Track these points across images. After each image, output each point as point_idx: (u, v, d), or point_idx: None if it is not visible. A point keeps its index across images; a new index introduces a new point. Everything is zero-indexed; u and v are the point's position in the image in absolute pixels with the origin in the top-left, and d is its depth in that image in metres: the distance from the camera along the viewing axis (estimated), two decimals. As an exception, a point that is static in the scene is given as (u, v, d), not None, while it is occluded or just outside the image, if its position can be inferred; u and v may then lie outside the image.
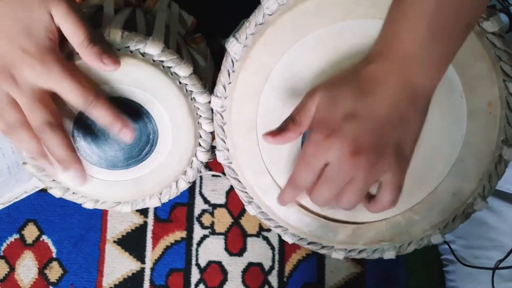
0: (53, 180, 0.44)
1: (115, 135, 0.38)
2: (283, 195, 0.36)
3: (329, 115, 0.32)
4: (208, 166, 0.66)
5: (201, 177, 0.67)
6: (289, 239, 0.43)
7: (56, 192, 0.45)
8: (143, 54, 0.39)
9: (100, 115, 0.36)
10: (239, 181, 0.43)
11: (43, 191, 0.67)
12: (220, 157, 0.42)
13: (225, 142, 0.42)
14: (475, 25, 0.34)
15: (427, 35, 0.31)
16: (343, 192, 0.33)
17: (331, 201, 0.33)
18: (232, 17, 0.46)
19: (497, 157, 0.38)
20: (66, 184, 0.44)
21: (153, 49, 0.39)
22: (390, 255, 0.42)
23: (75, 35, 0.34)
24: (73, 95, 0.34)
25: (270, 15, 0.36)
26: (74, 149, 0.37)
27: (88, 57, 0.35)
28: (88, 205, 0.46)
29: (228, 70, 0.39)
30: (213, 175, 0.67)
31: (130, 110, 0.41)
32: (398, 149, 0.32)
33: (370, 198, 0.35)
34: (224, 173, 0.44)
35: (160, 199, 0.46)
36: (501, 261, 0.63)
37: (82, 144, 0.42)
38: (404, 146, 0.32)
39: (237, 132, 0.41)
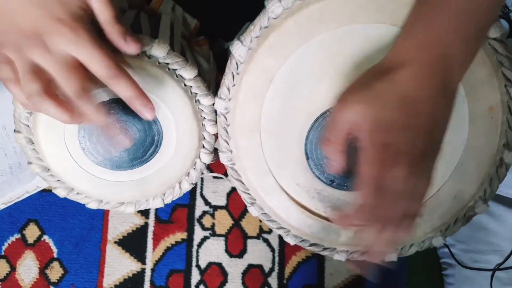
0: (58, 180, 0.44)
1: (137, 111, 0.37)
2: (350, 219, 0.34)
3: (380, 131, 0.31)
4: (209, 167, 0.66)
5: (202, 179, 0.68)
6: (291, 241, 0.44)
7: (60, 192, 0.45)
8: (149, 56, 0.40)
9: (124, 88, 0.36)
10: (242, 183, 0.43)
11: (45, 191, 0.67)
12: (224, 158, 0.43)
13: (228, 144, 0.42)
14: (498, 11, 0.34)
15: (449, 36, 0.31)
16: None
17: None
18: (234, 20, 0.47)
19: (498, 160, 0.38)
20: (70, 184, 0.45)
21: (159, 51, 0.39)
22: (391, 257, 0.42)
23: (104, 12, 0.35)
24: (98, 65, 0.34)
25: (275, 18, 0.37)
26: (108, 116, 0.36)
27: (113, 34, 0.35)
28: (92, 205, 0.46)
29: (232, 73, 0.39)
30: (214, 177, 0.67)
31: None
32: (438, 148, 0.32)
33: None
34: (225, 175, 0.44)
35: (163, 200, 0.47)
36: (499, 265, 0.63)
37: (87, 144, 0.42)
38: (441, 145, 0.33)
39: (240, 134, 0.41)
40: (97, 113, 0.35)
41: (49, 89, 0.34)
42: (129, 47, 0.36)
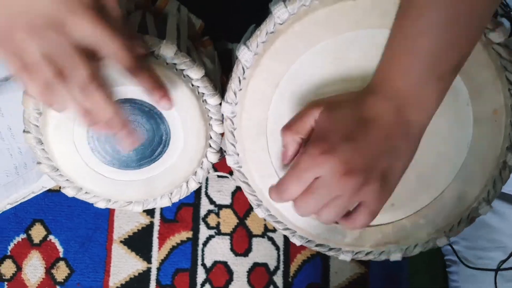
0: (67, 179, 0.45)
1: (155, 102, 0.37)
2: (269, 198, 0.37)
3: (328, 133, 0.34)
4: (214, 167, 0.67)
5: (207, 178, 0.68)
6: (297, 241, 0.44)
7: (69, 192, 0.45)
8: (156, 57, 0.40)
9: (146, 78, 0.36)
10: (249, 185, 0.44)
11: (50, 191, 0.67)
12: (230, 161, 0.43)
13: (235, 147, 0.43)
14: (481, 37, 0.35)
15: (422, 76, 0.33)
16: (325, 207, 0.34)
17: (312, 213, 0.34)
18: (237, 21, 0.47)
19: (502, 163, 0.39)
20: (79, 184, 0.45)
21: (166, 52, 0.40)
22: (396, 257, 0.43)
23: (115, 8, 0.33)
24: (123, 56, 0.33)
25: (281, 24, 0.37)
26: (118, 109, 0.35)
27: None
28: (100, 204, 0.47)
29: (239, 77, 0.40)
30: (219, 176, 0.68)
31: (144, 111, 0.42)
32: (385, 178, 0.34)
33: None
34: (230, 174, 0.45)
35: (170, 199, 0.47)
36: (503, 261, 0.64)
37: (96, 144, 0.43)
38: (391, 176, 0.34)
39: (247, 137, 0.41)
40: (107, 101, 0.33)
41: (65, 76, 0.32)
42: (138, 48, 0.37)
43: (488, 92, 0.37)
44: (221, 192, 0.68)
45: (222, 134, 0.45)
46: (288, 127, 0.37)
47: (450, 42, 0.32)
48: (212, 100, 0.43)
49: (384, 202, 0.35)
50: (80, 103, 0.33)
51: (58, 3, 0.30)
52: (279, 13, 0.37)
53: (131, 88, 0.41)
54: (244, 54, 0.39)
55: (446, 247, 0.67)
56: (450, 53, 0.32)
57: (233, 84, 0.40)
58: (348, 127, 0.33)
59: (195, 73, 0.41)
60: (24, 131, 0.43)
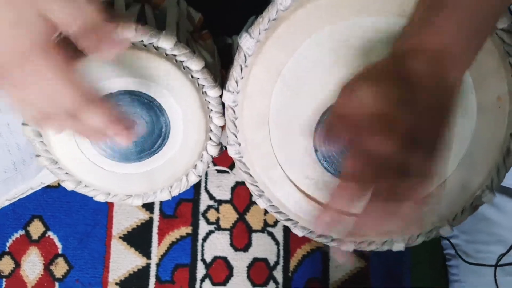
0: (66, 173, 0.44)
1: (112, 138, 0.34)
2: (334, 197, 0.32)
3: (380, 100, 0.31)
4: (214, 161, 0.66)
5: (206, 173, 0.68)
6: (299, 232, 0.44)
7: (68, 185, 0.45)
8: (156, 48, 0.40)
9: (92, 117, 0.32)
10: (250, 175, 0.43)
11: (49, 187, 0.67)
12: (232, 151, 0.43)
13: (236, 137, 0.42)
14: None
15: (468, 30, 0.31)
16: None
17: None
18: (237, 15, 0.47)
19: (506, 150, 0.39)
20: (78, 177, 0.45)
21: (166, 43, 0.39)
22: (399, 247, 0.43)
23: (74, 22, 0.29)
24: (66, 99, 0.31)
25: (284, 10, 0.37)
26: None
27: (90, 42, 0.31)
28: (100, 198, 0.46)
29: (240, 65, 0.40)
30: (218, 171, 0.67)
31: (144, 103, 0.41)
32: (442, 134, 0.32)
33: None
34: (230, 168, 0.44)
35: (170, 192, 0.47)
36: (503, 255, 0.64)
37: (95, 137, 0.42)
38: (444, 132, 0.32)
39: (249, 126, 0.41)
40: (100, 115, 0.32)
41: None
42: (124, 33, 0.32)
43: (492, 79, 0.37)
44: (221, 188, 0.68)
45: (223, 127, 0.45)
46: (339, 117, 0.33)
47: (480, 4, 0.31)
48: (212, 92, 0.42)
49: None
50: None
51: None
52: (281, -1, 0.36)
53: (130, 80, 0.40)
54: (246, 42, 0.38)
55: (445, 241, 0.67)
56: (478, 14, 0.31)
57: (234, 73, 0.40)
58: (400, 89, 0.31)
59: (195, 65, 0.41)
60: (22, 123, 0.42)
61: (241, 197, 0.67)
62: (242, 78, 0.40)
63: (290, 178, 0.42)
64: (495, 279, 0.63)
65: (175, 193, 0.47)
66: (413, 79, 0.31)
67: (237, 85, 0.40)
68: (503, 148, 0.39)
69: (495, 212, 0.65)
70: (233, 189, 0.68)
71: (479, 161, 0.39)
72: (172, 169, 0.45)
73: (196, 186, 0.68)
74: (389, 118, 0.30)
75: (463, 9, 0.31)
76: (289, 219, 0.44)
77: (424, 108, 0.31)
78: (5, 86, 0.31)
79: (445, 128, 0.33)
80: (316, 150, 0.41)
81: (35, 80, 0.30)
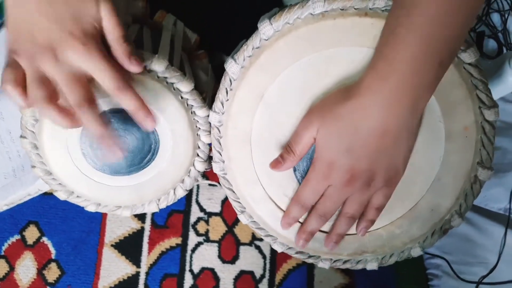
0: (59, 183, 0.47)
1: (139, 121, 0.40)
2: (288, 213, 0.44)
3: (329, 149, 0.39)
4: (205, 175, 0.68)
5: (198, 186, 0.70)
6: (278, 248, 0.46)
7: (61, 195, 0.47)
8: (149, 71, 0.42)
9: (129, 100, 0.38)
10: (233, 191, 0.45)
11: (46, 194, 0.69)
12: (216, 168, 0.45)
13: (221, 155, 0.45)
14: (470, 28, 0.37)
15: (423, 61, 0.33)
16: (346, 204, 0.42)
17: (332, 213, 0.42)
18: (233, 35, 0.49)
19: (473, 177, 0.41)
20: (70, 188, 0.47)
21: (158, 66, 0.42)
22: (372, 266, 0.45)
23: (114, 31, 0.38)
24: (106, 78, 0.37)
25: (266, 40, 0.39)
26: (108, 125, 0.39)
27: (120, 52, 0.38)
28: (91, 208, 0.49)
29: (226, 88, 0.42)
30: (209, 184, 0.70)
31: (134, 121, 0.44)
32: (389, 171, 0.39)
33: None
34: (220, 183, 0.47)
35: (158, 204, 0.49)
36: (484, 277, 0.65)
37: (88, 150, 0.45)
38: (397, 164, 0.39)
39: (232, 145, 0.43)
40: (95, 123, 0.37)
41: (53, 97, 0.36)
42: (133, 66, 0.39)
43: (459, 110, 0.39)
44: (211, 200, 0.70)
45: (211, 145, 0.47)
46: (291, 151, 0.41)
47: (437, 36, 0.33)
48: (201, 112, 0.45)
49: (390, 194, 0.41)
50: (65, 118, 0.37)
51: (48, 34, 0.35)
52: (264, 29, 0.39)
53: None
54: (231, 67, 0.41)
55: (428, 261, 0.69)
56: (449, 39, 0.33)
57: (220, 95, 0.42)
58: (345, 141, 0.37)
59: (185, 86, 0.44)
60: (21, 136, 0.45)
61: (231, 210, 0.69)
62: (227, 100, 0.42)
63: (269, 195, 0.44)
64: (476, 300, 0.64)
65: (163, 205, 0.50)
66: (366, 122, 0.36)
67: (223, 107, 0.43)
68: (470, 175, 0.41)
69: (478, 234, 0.67)
70: (223, 202, 0.70)
71: (449, 187, 0.41)
72: (160, 183, 0.48)
73: (188, 198, 0.70)
74: (336, 167, 0.39)
75: (416, 41, 0.33)
76: (269, 235, 0.46)
77: (371, 153, 0.37)
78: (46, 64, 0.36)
79: (401, 156, 0.39)
80: (294, 170, 0.43)
81: (83, 60, 0.36)
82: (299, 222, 0.44)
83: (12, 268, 0.69)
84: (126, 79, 0.38)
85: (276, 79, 0.40)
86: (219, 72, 0.58)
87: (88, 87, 0.37)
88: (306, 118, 0.40)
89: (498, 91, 0.54)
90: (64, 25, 0.35)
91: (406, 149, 0.39)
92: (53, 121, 0.37)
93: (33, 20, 0.36)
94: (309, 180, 0.41)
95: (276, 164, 0.42)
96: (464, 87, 0.38)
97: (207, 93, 0.50)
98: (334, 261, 0.45)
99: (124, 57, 0.38)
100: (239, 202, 0.46)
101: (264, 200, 0.44)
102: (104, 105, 0.43)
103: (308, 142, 0.40)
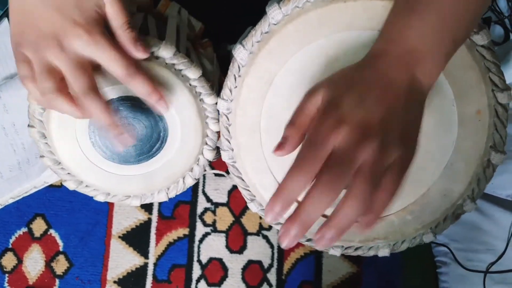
0: (68, 173, 0.46)
1: (152, 105, 0.40)
2: (281, 190, 0.34)
3: (337, 103, 0.32)
4: (211, 165, 0.68)
5: (204, 177, 0.70)
6: (289, 236, 0.46)
7: (70, 185, 0.47)
8: (156, 57, 0.42)
9: (141, 85, 0.38)
10: (242, 180, 0.45)
11: (52, 186, 0.69)
12: (225, 156, 0.45)
13: (230, 143, 0.44)
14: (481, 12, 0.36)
15: (436, 31, 0.32)
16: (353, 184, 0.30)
17: (339, 192, 0.30)
18: (237, 24, 0.49)
19: (486, 161, 0.40)
20: (80, 178, 0.47)
21: (165, 52, 0.41)
22: (384, 252, 0.44)
23: (118, 17, 0.37)
24: (115, 65, 0.37)
25: (275, 24, 0.39)
26: (114, 114, 0.39)
27: (124, 39, 0.38)
28: (100, 198, 0.48)
29: (234, 75, 0.42)
30: (216, 175, 0.69)
31: (143, 109, 0.43)
32: (405, 136, 0.32)
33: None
34: (227, 172, 0.46)
35: (167, 194, 0.49)
36: (492, 264, 0.65)
37: (97, 139, 0.44)
38: (411, 134, 0.32)
39: (241, 133, 0.43)
40: (103, 111, 0.37)
41: (62, 87, 0.36)
42: (138, 53, 0.39)
43: (472, 93, 0.38)
44: (218, 191, 0.70)
45: (219, 133, 0.47)
46: (291, 124, 0.34)
47: (452, 13, 0.32)
48: (209, 99, 0.44)
49: (410, 162, 0.32)
50: (76, 108, 0.37)
51: (52, 24, 0.35)
52: (273, 14, 0.38)
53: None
54: (239, 53, 0.40)
55: (436, 248, 0.68)
56: (464, 15, 0.33)
57: (228, 82, 0.42)
58: (357, 91, 0.32)
59: (193, 73, 0.43)
60: (28, 125, 0.45)
61: (238, 201, 0.69)
62: (236, 87, 0.42)
63: (279, 182, 0.43)
64: (484, 287, 0.64)
65: (172, 194, 0.49)
66: (380, 77, 0.32)
67: (231, 94, 0.42)
68: (483, 159, 0.40)
69: (486, 221, 0.67)
70: (229, 192, 0.70)
71: (461, 172, 0.41)
72: (170, 171, 0.47)
73: (194, 189, 0.70)
74: (339, 113, 0.31)
75: (432, 12, 0.32)
76: (279, 223, 0.46)
77: (385, 111, 0.31)
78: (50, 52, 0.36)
79: (413, 124, 0.33)
80: (305, 157, 0.42)
81: (90, 48, 0.36)
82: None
83: (20, 261, 0.69)
84: (136, 64, 0.38)
85: (285, 64, 0.40)
86: (224, 62, 0.58)
87: (93, 76, 0.37)
88: (312, 88, 0.34)
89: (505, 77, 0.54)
90: (67, 13, 0.35)
91: (418, 120, 0.33)
92: (64, 111, 0.37)
93: (36, 10, 0.35)
94: (308, 142, 0.32)
95: (278, 146, 0.35)
96: (476, 69, 0.38)
97: (213, 83, 0.50)
98: (346, 248, 0.45)
99: (129, 43, 0.38)
100: (248, 190, 0.45)
101: (274, 187, 0.43)
102: (112, 93, 0.42)
103: (310, 111, 0.33)
